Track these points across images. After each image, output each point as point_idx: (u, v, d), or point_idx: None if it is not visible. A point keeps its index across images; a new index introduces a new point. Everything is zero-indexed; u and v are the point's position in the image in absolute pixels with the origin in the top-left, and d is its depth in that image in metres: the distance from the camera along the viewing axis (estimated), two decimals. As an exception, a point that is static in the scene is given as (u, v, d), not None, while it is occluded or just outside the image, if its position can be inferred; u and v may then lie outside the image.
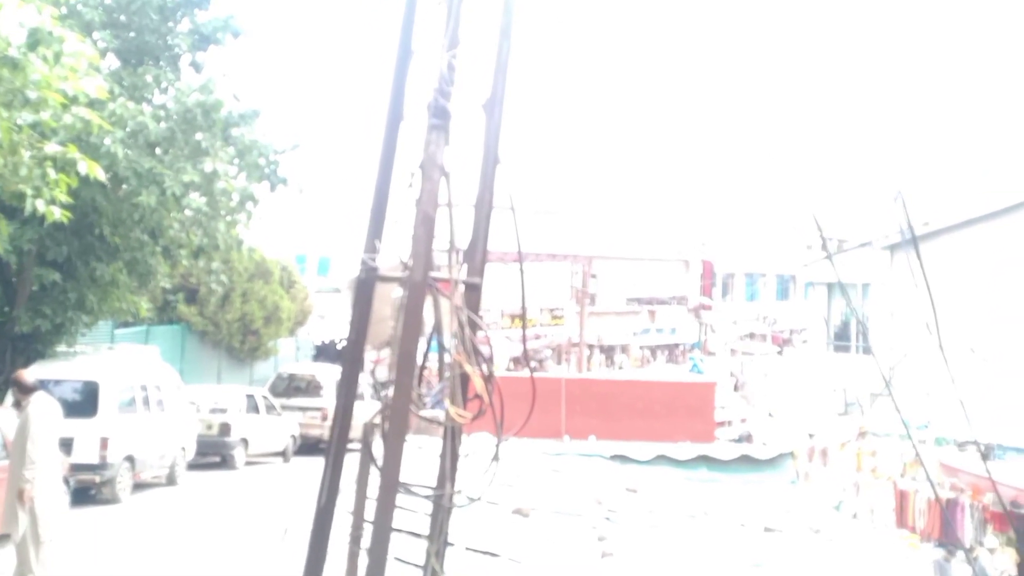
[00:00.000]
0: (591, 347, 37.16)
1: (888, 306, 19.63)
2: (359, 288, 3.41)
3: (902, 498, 16.03)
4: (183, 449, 14.89)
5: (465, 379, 3.31)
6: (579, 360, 32.32)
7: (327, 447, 3.37)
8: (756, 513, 10.81)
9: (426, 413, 3.26)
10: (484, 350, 3.38)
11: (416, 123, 3.42)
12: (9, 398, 11.72)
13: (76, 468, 11.71)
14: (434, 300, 3.27)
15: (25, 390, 8.13)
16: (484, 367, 3.29)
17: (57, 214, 8.06)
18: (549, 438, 17.58)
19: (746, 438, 19.39)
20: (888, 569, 9.23)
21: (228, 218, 12.27)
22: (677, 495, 13.33)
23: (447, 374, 3.26)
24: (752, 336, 43.27)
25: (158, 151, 11.94)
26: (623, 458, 16.49)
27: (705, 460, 16.32)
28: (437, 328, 3.30)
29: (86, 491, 12.39)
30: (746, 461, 16.19)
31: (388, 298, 3.52)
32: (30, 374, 8.41)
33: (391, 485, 2.99)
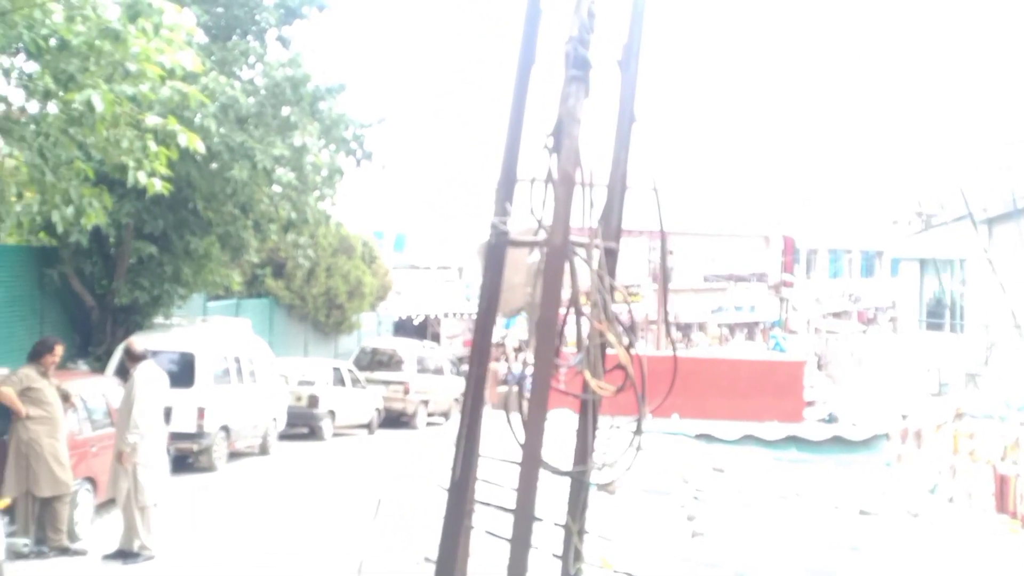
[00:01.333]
0: (665, 324, 36.46)
1: (986, 282, 18.61)
2: (490, 253, 3.20)
3: (1002, 482, 15.25)
4: (274, 420, 15.13)
5: (601, 350, 3.08)
6: (657, 338, 31.79)
7: (461, 419, 3.18)
8: (850, 495, 10.42)
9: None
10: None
11: (543, 80, 3.18)
12: (111, 367, 12.07)
13: (175, 437, 11.95)
14: (570, 266, 3.03)
15: (134, 358, 8.28)
16: (625, 337, 3.04)
17: (158, 186, 8.12)
18: (630, 416, 17.29)
19: (833, 418, 18.71)
20: (989, 554, 8.75)
21: (316, 192, 12.28)
22: (766, 475, 12.95)
23: (586, 343, 3.03)
24: (836, 314, 41.91)
25: (248, 126, 11.99)
26: (709, 437, 16.11)
27: (794, 440, 15.80)
28: (574, 295, 3.06)
29: (184, 459, 12.68)
30: (838, 442, 15.63)
31: (519, 264, 3.30)
32: (140, 343, 8.58)
33: (534, 462, 2.79)
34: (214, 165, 12.62)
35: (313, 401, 17.00)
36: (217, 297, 17.73)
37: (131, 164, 8.00)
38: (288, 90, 11.59)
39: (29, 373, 8.02)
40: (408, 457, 15.15)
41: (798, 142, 44.13)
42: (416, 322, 30.05)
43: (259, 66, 12.70)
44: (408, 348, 21.55)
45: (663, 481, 11.33)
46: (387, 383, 20.17)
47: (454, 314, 33.49)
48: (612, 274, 3.13)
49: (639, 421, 3.08)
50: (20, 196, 7.96)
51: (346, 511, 10.36)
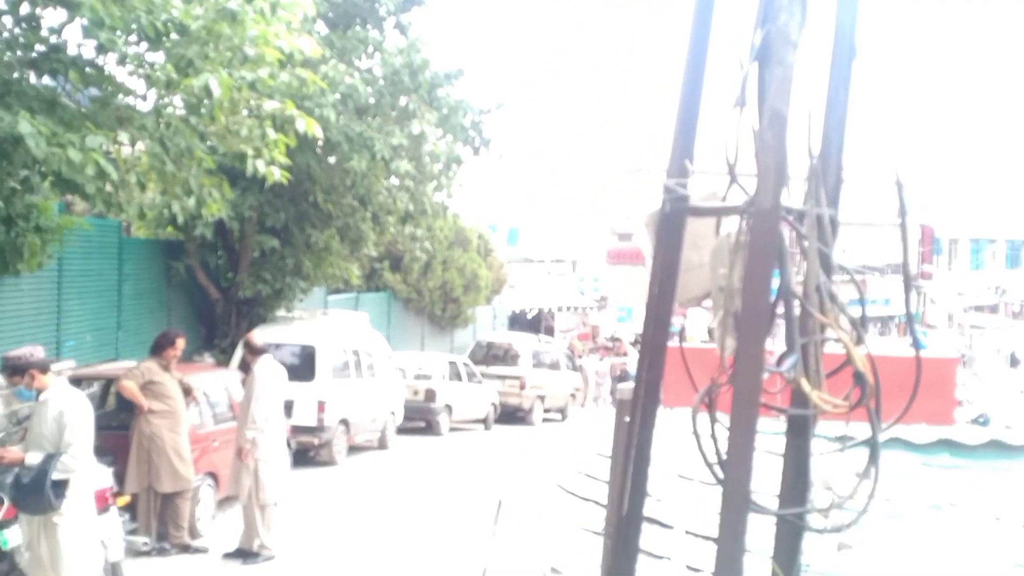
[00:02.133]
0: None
1: None
2: (664, 225, 2.51)
3: None
4: (392, 414, 14.90)
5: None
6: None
7: (628, 436, 2.52)
8: (1012, 506, 9.32)
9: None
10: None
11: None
12: (235, 360, 12.03)
13: (295, 430, 11.84)
14: (782, 239, 2.31)
15: (254, 351, 8.04)
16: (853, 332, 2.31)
17: (277, 175, 7.81)
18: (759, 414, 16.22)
19: (986, 421, 16.96)
20: None
21: (433, 183, 11.87)
22: (916, 482, 12.02)
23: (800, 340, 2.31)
24: (980, 308, 38.89)
25: (366, 116, 11.69)
26: (850, 439, 14.99)
27: (947, 444, 14.44)
28: (783, 275, 2.34)
29: (305, 453, 12.56)
30: (996, 447, 14.16)
31: (703, 238, 2.60)
32: (259, 336, 8.35)
33: (740, 502, 2.09)
34: (332, 159, 12.43)
35: (430, 395, 16.71)
36: (337, 291, 17.70)
37: (250, 152, 7.71)
38: (406, 77, 11.20)
39: (151, 367, 7.88)
40: (527, 455, 14.63)
41: (937, 122, 41.12)
42: (530, 316, 29.62)
43: (377, 55, 12.40)
44: (524, 342, 21.05)
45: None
46: (503, 378, 19.73)
47: (568, 308, 32.90)
48: (831, 249, 2.40)
49: (874, 443, 2.33)
50: (143, 187, 7.81)
51: (466, 512, 9.94)
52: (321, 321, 13.64)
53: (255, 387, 7.87)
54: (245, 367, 8.22)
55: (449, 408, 17.08)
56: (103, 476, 7.05)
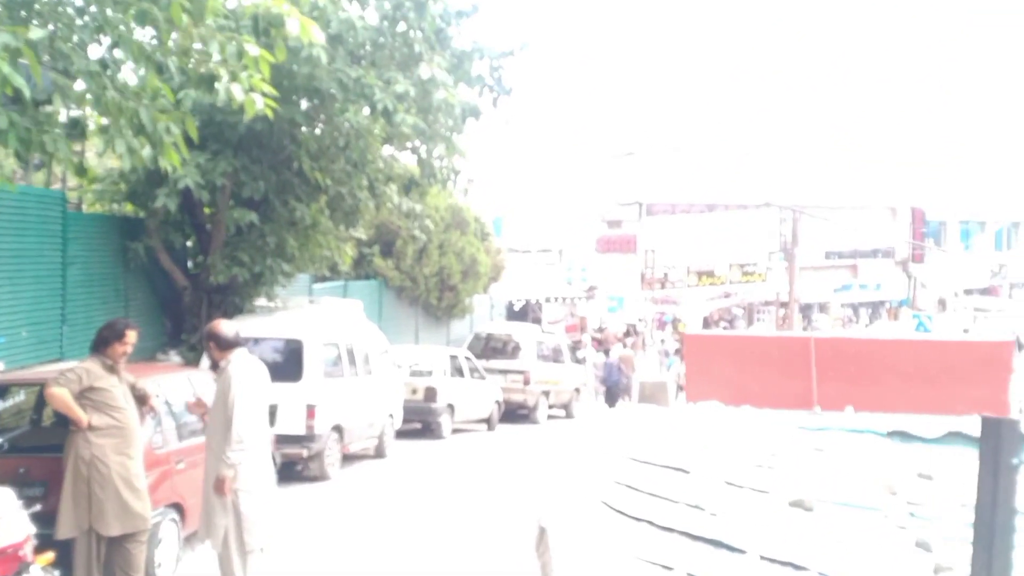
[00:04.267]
0: (780, 305, 33.02)
1: None
2: None
3: None
4: (391, 417, 12.75)
5: None
6: (787, 320, 28.38)
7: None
8: None
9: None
10: None
11: None
12: (206, 360, 9.77)
13: (281, 440, 9.74)
14: None
15: (223, 345, 5.83)
16: None
17: (259, 104, 5.63)
18: (796, 408, 14.32)
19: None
20: None
21: (448, 135, 9.65)
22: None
23: None
24: (979, 291, 37.54)
25: (364, 60, 9.50)
26: (905, 435, 13.08)
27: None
28: None
29: (291, 466, 10.41)
30: (1075, 442, 12.35)
31: None
32: (229, 326, 6.10)
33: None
34: (322, 121, 10.26)
35: (430, 394, 14.57)
36: (323, 278, 15.46)
37: (222, 74, 5.53)
38: (411, 11, 9.01)
39: (91, 368, 5.67)
40: (544, 461, 12.62)
41: (927, 104, 39.67)
42: (517, 307, 27.65)
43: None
44: (526, 333, 18.95)
45: (863, 491, 8.88)
46: (504, 372, 17.63)
47: (555, 298, 31.03)
48: None
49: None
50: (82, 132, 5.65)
51: (490, 533, 7.97)
52: (309, 311, 11.44)
53: (229, 392, 5.71)
54: (215, 366, 6.03)
55: (451, 408, 14.95)
56: (16, 523, 4.87)
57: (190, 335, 11.04)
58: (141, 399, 5.94)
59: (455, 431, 15.32)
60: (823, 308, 36.71)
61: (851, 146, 36.85)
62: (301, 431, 10.25)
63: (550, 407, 18.68)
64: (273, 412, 10.23)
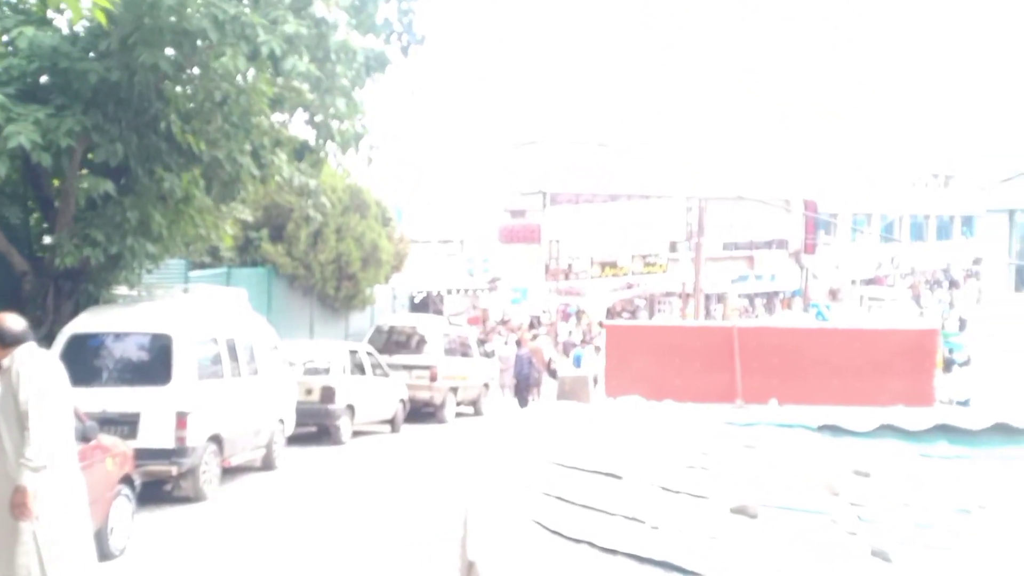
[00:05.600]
0: (685, 296, 32.75)
1: None
2: None
3: None
4: (282, 422, 10.98)
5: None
6: (695, 311, 27.84)
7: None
8: None
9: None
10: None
11: None
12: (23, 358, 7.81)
13: (143, 455, 7.98)
14: None
15: (7, 340, 4.37)
16: None
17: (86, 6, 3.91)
18: (718, 402, 13.40)
19: (965, 402, 14.77)
20: None
21: (348, 89, 7.94)
22: (923, 480, 9.66)
23: None
24: (874, 281, 38.47)
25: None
26: (836, 429, 12.35)
27: (944, 431, 12.03)
28: None
29: (157, 487, 8.59)
30: (1003, 431, 11.93)
31: None
32: (15, 319, 4.59)
33: None
34: (194, 71, 8.43)
35: (328, 395, 12.84)
36: (202, 264, 13.44)
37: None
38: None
39: None
40: (457, 467, 11.19)
41: (817, 100, 40.30)
42: (418, 299, 26.11)
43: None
44: (432, 326, 17.39)
45: (804, 493, 8.06)
46: (409, 368, 16.05)
47: (457, 290, 29.66)
48: None
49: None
50: None
51: (401, 559, 6.52)
52: (181, 301, 9.55)
53: (19, 394, 4.16)
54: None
55: (351, 409, 13.26)
56: None
57: (33, 330, 8.95)
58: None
59: (356, 434, 13.65)
60: (720, 299, 36.68)
61: (749, 134, 36.94)
62: (170, 444, 8.42)
63: (458, 404, 17.22)
64: (134, 423, 8.40)
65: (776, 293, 38.91)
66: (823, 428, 13.27)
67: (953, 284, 41.81)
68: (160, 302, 9.35)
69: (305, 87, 8.16)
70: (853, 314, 29.15)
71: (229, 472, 9.78)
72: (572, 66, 37.43)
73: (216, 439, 9.10)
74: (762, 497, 9.06)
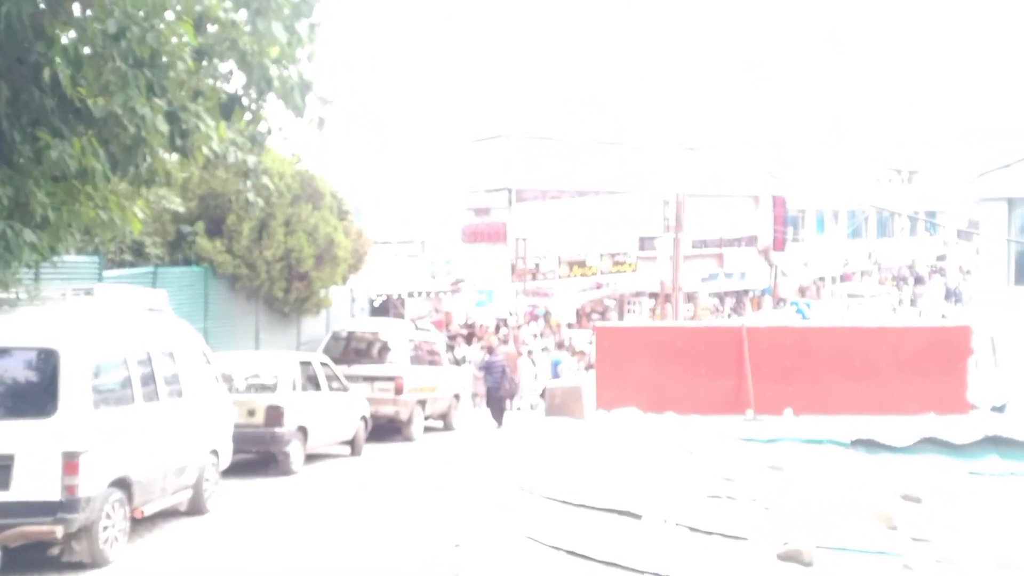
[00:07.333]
0: (663, 296, 31.08)
1: None
2: None
3: None
4: (215, 454, 8.75)
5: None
6: (663, 310, 26.16)
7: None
8: None
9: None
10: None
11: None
12: None
13: (17, 512, 5.85)
14: None
15: None
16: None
17: None
18: (726, 413, 11.49)
19: (1001, 407, 13.08)
20: None
21: (290, 21, 5.87)
22: (982, 504, 8.32)
23: None
24: (822, 279, 37.43)
25: None
26: (871, 444, 10.68)
27: (993, 443, 10.49)
28: None
29: (40, 550, 6.38)
30: (1061, 445, 10.47)
31: None
32: None
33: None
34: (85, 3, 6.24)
35: (274, 416, 10.64)
36: (121, 263, 11.11)
37: None
38: None
39: None
40: (433, 495, 9.18)
41: (786, 92, 39.15)
42: (377, 303, 24.02)
43: None
44: (396, 331, 15.27)
45: (855, 527, 6.91)
46: (371, 379, 13.93)
47: (419, 293, 27.63)
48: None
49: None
50: None
51: None
52: (74, 306, 7.30)
53: None
54: None
55: (303, 432, 11.06)
56: None
57: None
58: None
59: (310, 459, 11.47)
60: (690, 298, 35.19)
61: (718, 131, 35.55)
62: (55, 495, 6.22)
63: (426, 419, 15.14)
64: (6, 467, 6.19)
65: (746, 292, 37.59)
66: (857, 443, 11.08)
67: (919, 280, 41.07)
68: (46, 307, 7.09)
69: (241, 19, 6.01)
70: (833, 312, 27.78)
71: (143, 523, 7.57)
72: (537, 57, 35.59)
73: (122, 483, 6.89)
74: (810, 536, 7.01)
